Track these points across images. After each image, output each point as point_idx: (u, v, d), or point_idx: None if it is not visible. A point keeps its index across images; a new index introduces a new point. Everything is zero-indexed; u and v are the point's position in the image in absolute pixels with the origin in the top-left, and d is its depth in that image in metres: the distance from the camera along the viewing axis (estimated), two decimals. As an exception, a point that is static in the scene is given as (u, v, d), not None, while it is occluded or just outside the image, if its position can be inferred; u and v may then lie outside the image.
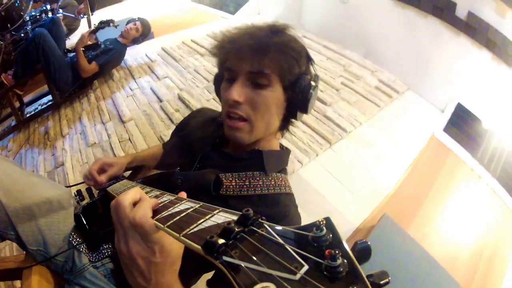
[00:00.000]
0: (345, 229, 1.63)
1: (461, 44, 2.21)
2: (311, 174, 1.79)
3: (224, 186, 0.68)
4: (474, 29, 2.08)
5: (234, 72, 0.68)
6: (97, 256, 0.83)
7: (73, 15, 3.22)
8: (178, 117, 2.09)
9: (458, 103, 2.40)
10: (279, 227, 0.28)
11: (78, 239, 0.83)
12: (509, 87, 2.17)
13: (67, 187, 0.97)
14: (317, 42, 2.77)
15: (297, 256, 0.24)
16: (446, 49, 2.29)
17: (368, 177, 1.86)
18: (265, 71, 0.65)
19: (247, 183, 0.69)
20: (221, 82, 0.72)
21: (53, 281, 0.85)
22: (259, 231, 0.28)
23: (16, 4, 2.56)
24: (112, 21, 2.56)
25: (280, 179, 0.73)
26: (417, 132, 2.17)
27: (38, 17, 2.76)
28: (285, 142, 1.84)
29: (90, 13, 3.06)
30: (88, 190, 0.88)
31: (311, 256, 0.23)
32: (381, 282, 0.23)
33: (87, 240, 0.83)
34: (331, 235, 0.25)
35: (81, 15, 3.16)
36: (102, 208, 0.81)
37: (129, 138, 2.06)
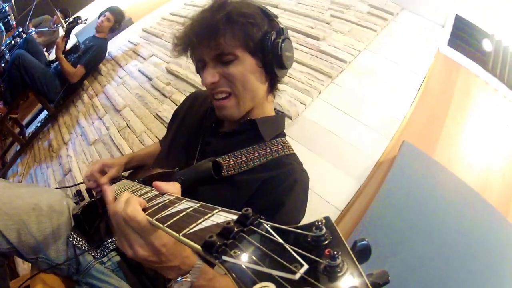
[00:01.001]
0: (365, 166, 1.51)
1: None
2: (318, 113, 1.67)
3: (224, 167, 0.70)
4: None
5: (202, 60, 0.71)
6: (102, 252, 0.82)
7: (48, 29, 3.20)
8: (170, 90, 2.02)
9: (456, 14, 2.24)
10: (278, 226, 0.28)
11: (78, 239, 0.82)
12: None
13: (66, 187, 0.94)
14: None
15: (296, 256, 0.24)
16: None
17: (379, 106, 1.73)
18: (225, 51, 0.67)
19: (244, 159, 0.71)
20: None
21: (63, 285, 0.83)
22: (258, 230, 0.28)
23: (-9, 40, 2.59)
24: (78, 18, 2.55)
25: (276, 144, 0.74)
26: (420, 50, 2.02)
27: (13, 43, 2.79)
28: (283, 86, 1.73)
29: (63, 21, 3.03)
30: (88, 190, 0.87)
31: (310, 256, 0.23)
32: (381, 282, 0.23)
33: (88, 239, 0.82)
34: (330, 235, 0.25)
35: (55, 26, 3.14)
36: (102, 208, 0.80)
37: (127, 125, 2.00)
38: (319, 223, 0.26)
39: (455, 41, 2.15)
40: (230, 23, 0.66)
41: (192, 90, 1.90)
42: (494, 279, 1.28)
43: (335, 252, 0.22)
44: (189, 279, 0.48)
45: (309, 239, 0.25)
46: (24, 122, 3.01)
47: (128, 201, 0.44)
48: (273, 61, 0.69)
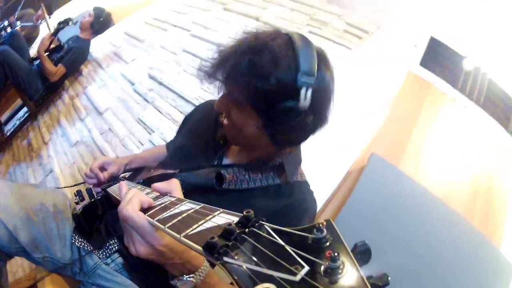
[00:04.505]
0: (336, 175, 1.63)
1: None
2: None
3: (227, 180, 0.70)
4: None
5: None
6: (105, 253, 0.82)
7: (32, 23, 3.15)
8: (153, 96, 2.06)
9: (431, 36, 2.38)
10: (279, 228, 0.28)
11: (80, 240, 0.83)
12: (478, 12, 2.16)
13: (66, 187, 0.97)
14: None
15: (297, 257, 0.24)
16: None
17: (351, 119, 1.84)
18: (233, 93, 0.65)
19: (246, 177, 0.71)
20: None
21: (69, 286, 0.85)
22: (259, 232, 0.28)
23: (-25, 30, 2.53)
24: (70, 19, 2.52)
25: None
26: (393, 69, 2.14)
27: (-3, 36, 2.71)
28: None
29: (48, 17, 3.00)
30: (88, 190, 0.87)
31: (311, 257, 0.24)
32: (381, 284, 0.23)
33: (89, 239, 0.83)
34: (331, 237, 0.26)
35: (39, 21, 3.10)
36: (102, 209, 0.82)
37: (109, 128, 2.04)
38: (320, 225, 0.26)
39: (427, 61, 2.29)
40: (245, 74, 0.60)
41: (176, 98, 1.96)
42: (459, 279, 1.39)
43: (336, 254, 0.22)
44: (194, 280, 0.47)
45: (310, 241, 0.26)
46: (2, 120, 2.95)
47: (129, 200, 0.45)
48: (268, 132, 0.65)
